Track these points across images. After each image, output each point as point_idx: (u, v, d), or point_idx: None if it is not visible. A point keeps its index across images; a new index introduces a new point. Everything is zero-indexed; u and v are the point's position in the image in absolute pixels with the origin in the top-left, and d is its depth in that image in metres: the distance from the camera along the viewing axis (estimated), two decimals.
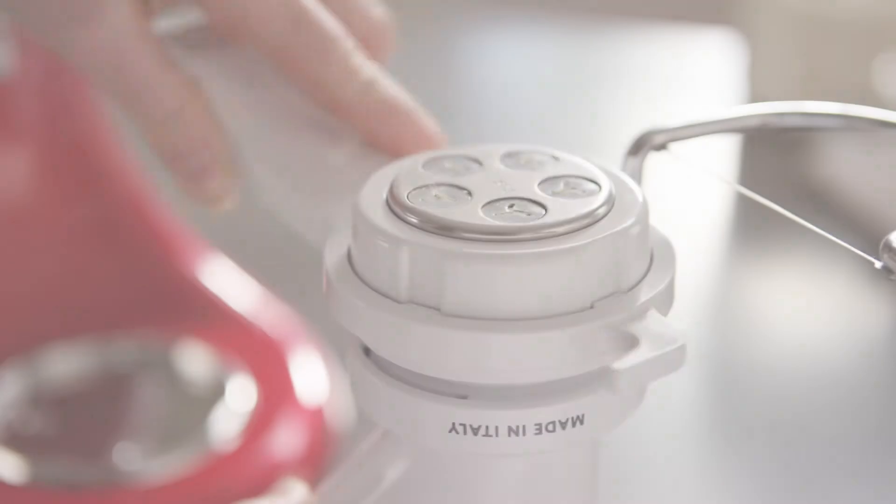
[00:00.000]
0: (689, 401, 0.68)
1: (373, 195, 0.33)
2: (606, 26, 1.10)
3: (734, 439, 0.65)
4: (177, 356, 0.62)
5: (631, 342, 0.30)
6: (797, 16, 0.89)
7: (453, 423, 0.32)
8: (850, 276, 0.75)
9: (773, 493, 0.61)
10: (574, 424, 0.32)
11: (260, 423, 0.58)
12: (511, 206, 0.32)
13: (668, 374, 0.30)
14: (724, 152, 0.90)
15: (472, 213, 0.32)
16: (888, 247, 0.31)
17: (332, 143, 0.40)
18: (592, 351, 0.31)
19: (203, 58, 0.43)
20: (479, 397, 0.32)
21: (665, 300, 0.32)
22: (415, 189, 0.33)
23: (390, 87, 0.40)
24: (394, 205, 0.32)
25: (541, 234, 0.31)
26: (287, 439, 0.57)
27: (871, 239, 0.34)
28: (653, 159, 0.36)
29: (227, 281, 0.65)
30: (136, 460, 0.56)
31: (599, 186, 0.33)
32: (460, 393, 0.32)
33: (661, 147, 0.35)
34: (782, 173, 0.86)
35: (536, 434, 0.31)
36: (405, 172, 0.34)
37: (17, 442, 0.57)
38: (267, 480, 0.55)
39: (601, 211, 0.32)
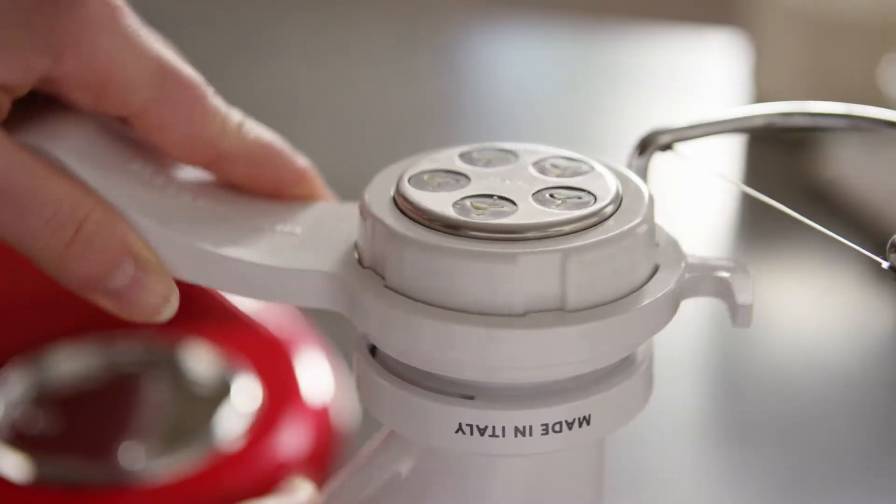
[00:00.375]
0: (695, 401, 0.68)
1: (380, 190, 0.33)
2: (612, 27, 1.10)
3: (740, 439, 0.65)
4: (182, 356, 0.62)
5: (720, 285, 0.33)
6: (802, 16, 0.89)
7: (460, 424, 0.31)
8: (857, 276, 0.75)
9: (783, 493, 0.60)
10: (581, 425, 0.32)
11: (265, 423, 0.58)
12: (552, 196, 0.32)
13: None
14: (729, 152, 0.90)
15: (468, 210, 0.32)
16: (895, 246, 0.31)
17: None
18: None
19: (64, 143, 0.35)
20: (486, 398, 0.32)
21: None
22: (416, 176, 0.33)
23: (256, 126, 0.36)
24: (401, 201, 0.32)
25: (548, 233, 0.31)
26: (292, 439, 0.57)
27: (877, 239, 0.34)
28: (658, 159, 0.36)
29: None
30: (141, 460, 0.56)
31: (606, 185, 0.33)
32: (467, 393, 0.32)
33: (667, 147, 0.35)
34: (787, 173, 0.86)
35: (543, 434, 0.31)
36: (412, 167, 0.34)
37: (23, 441, 0.57)
38: (272, 480, 0.55)
39: (608, 210, 0.32)
